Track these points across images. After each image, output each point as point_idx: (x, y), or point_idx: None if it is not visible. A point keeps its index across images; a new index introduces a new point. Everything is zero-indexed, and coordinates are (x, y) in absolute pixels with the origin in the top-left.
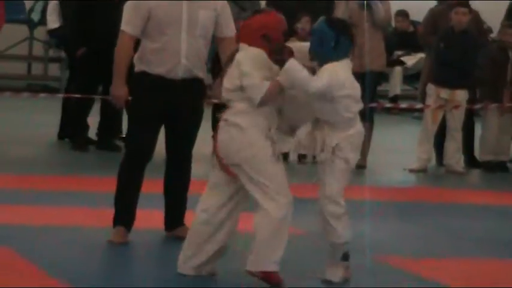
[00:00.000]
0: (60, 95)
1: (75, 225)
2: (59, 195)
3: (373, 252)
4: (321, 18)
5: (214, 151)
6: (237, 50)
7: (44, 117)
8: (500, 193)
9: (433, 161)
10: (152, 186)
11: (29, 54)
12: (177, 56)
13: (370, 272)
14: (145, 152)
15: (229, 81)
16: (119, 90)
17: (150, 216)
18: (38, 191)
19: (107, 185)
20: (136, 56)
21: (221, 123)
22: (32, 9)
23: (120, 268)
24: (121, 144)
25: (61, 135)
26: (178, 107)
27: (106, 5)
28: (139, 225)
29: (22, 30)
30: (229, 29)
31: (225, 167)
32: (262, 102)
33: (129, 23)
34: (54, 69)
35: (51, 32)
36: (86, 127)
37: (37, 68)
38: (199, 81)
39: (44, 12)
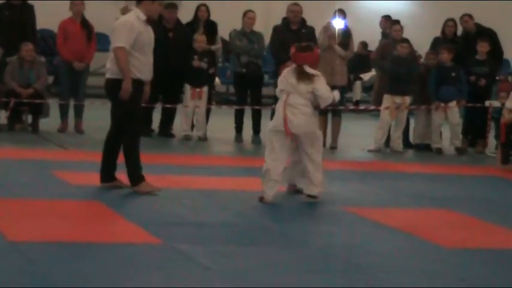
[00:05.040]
0: None
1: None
2: None
3: (342, 204)
4: None
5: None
6: (300, 67)
7: None
8: (425, 165)
9: None
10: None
11: None
12: (151, 66)
13: (339, 217)
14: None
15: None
16: (130, 86)
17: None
18: None
19: (163, 159)
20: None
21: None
22: None
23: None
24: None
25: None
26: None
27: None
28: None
29: (107, 55)
30: None
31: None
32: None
33: (122, 40)
34: None
35: None
36: (150, 121)
37: None
38: None
39: None
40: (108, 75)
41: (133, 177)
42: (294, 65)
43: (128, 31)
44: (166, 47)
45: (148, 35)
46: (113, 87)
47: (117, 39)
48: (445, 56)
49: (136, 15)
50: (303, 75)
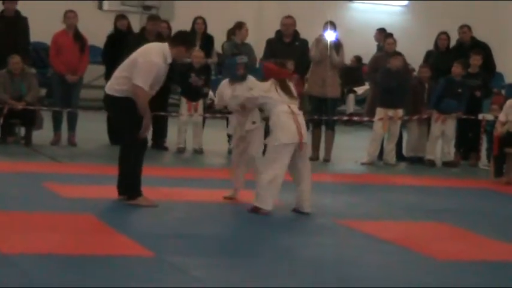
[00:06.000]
0: None
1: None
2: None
3: (333, 216)
4: None
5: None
6: (285, 81)
7: None
8: (418, 177)
9: None
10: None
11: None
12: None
13: (331, 230)
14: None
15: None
16: (150, 123)
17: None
18: (103, 175)
19: (156, 171)
20: (125, 88)
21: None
22: None
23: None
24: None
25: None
26: None
27: None
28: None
29: (100, 68)
30: None
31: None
32: None
33: (145, 81)
34: None
35: None
36: None
37: None
38: None
39: None
40: (109, 92)
41: (130, 190)
42: (273, 81)
43: (152, 74)
44: None
45: (163, 73)
46: (111, 103)
47: (140, 78)
48: (459, 71)
49: (164, 55)
50: (288, 90)
